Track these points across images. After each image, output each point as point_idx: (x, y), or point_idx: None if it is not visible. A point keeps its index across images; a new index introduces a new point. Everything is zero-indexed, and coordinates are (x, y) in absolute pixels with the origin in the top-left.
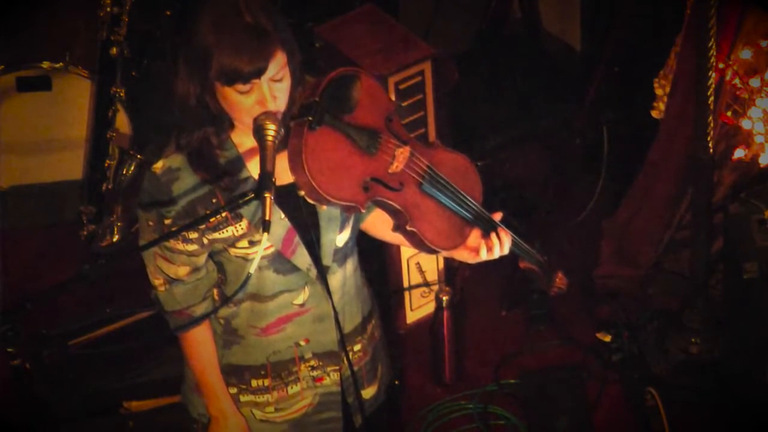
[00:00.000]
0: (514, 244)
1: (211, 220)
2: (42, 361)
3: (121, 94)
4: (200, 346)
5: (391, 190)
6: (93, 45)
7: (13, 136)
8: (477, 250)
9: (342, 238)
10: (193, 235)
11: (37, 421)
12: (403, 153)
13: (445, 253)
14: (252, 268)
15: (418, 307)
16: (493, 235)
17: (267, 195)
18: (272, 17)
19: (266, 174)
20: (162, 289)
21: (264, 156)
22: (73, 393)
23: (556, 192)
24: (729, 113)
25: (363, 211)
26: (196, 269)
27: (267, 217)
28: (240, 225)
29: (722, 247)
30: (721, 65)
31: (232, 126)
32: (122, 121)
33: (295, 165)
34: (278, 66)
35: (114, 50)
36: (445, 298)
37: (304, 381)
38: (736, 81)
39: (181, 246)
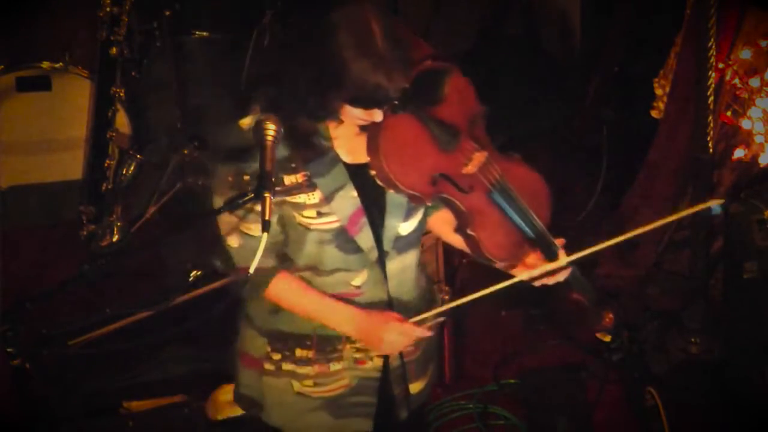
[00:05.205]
0: (571, 274)
1: (279, 188)
2: (42, 361)
3: (121, 94)
4: (287, 294)
5: (460, 190)
6: (93, 45)
7: (13, 136)
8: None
9: (406, 227)
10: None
11: (37, 421)
12: (479, 157)
13: (500, 265)
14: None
15: None
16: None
17: (266, 195)
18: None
19: (266, 174)
20: (235, 244)
21: (264, 156)
22: (73, 393)
23: (556, 192)
24: (729, 113)
25: (428, 203)
26: None
27: (266, 217)
28: (313, 195)
29: (722, 247)
30: (721, 65)
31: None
32: (122, 121)
33: (371, 146)
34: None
35: (114, 50)
36: (445, 298)
37: (346, 361)
38: (736, 81)
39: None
